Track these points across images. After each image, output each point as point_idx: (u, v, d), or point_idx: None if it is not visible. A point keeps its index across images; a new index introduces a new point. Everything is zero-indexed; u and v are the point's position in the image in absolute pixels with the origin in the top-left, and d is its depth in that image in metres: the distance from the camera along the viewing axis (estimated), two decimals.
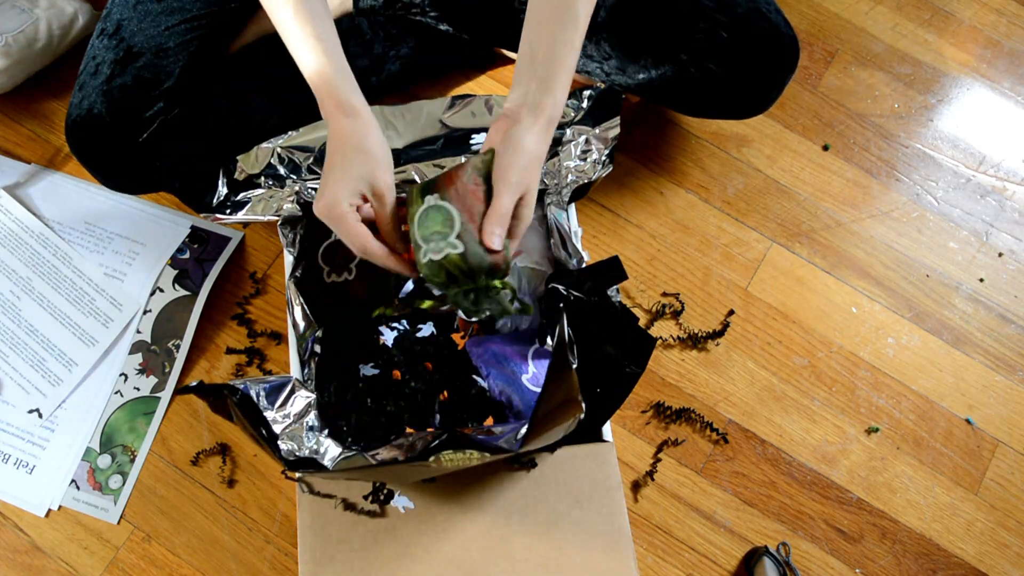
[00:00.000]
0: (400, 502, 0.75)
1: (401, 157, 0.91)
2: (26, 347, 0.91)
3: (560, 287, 0.73)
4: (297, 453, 0.74)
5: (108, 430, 0.89)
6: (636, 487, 0.90)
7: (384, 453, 0.70)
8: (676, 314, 0.98)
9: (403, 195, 0.73)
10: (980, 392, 0.97)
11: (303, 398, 0.78)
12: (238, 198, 0.88)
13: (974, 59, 1.15)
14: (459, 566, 0.72)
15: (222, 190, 0.88)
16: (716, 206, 1.04)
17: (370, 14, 0.97)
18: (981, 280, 1.02)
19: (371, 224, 0.69)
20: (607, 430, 0.80)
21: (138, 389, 0.91)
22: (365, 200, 0.69)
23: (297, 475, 0.75)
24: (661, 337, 0.96)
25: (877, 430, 0.94)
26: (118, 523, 0.86)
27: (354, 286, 0.86)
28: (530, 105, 0.67)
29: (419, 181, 0.87)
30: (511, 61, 1.10)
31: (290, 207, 0.88)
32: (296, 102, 0.92)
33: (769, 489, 0.91)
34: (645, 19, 0.86)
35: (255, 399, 0.73)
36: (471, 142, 0.91)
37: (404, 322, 0.89)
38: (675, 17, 0.84)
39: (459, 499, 0.75)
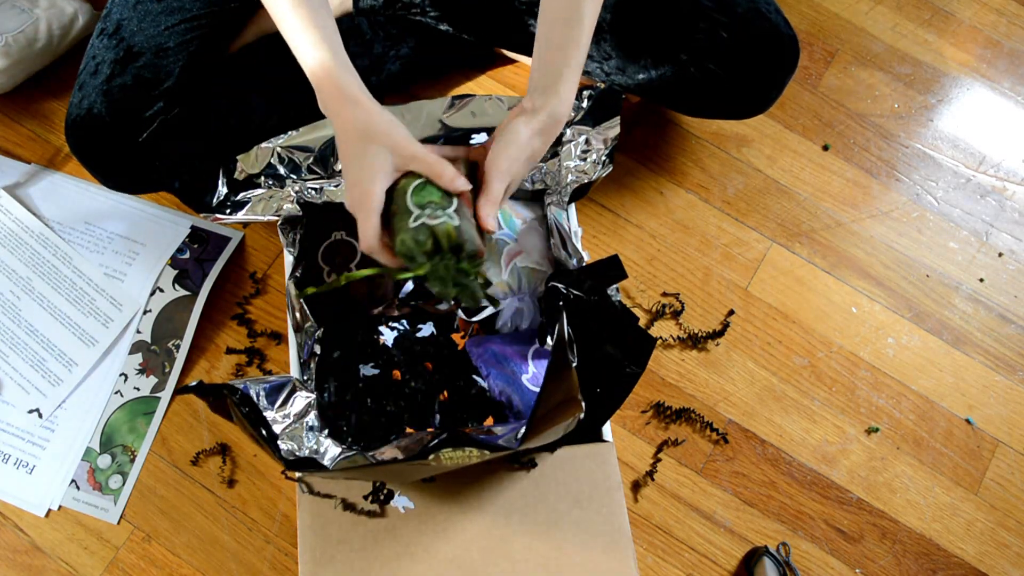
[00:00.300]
0: (400, 502, 0.75)
1: None
2: (26, 347, 0.91)
3: (560, 285, 0.73)
4: (297, 453, 0.74)
5: (108, 430, 0.89)
6: (636, 487, 0.90)
7: (384, 453, 0.71)
8: (676, 314, 0.98)
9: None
10: (980, 392, 0.97)
11: (303, 398, 0.78)
12: (238, 198, 0.88)
13: (974, 59, 1.15)
14: (459, 566, 0.72)
15: (222, 190, 0.88)
16: (716, 206, 1.04)
17: (370, 14, 0.97)
18: (981, 280, 1.02)
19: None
20: (607, 430, 0.80)
21: (138, 389, 0.91)
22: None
23: (297, 475, 0.75)
24: (661, 337, 0.96)
25: (877, 430, 0.94)
26: (118, 523, 0.86)
27: (354, 286, 0.86)
28: (533, 101, 0.68)
29: None
30: (511, 61, 1.10)
31: (290, 207, 0.88)
32: (296, 102, 0.92)
33: (769, 489, 0.91)
34: (645, 19, 0.86)
35: (255, 399, 0.73)
36: (471, 142, 0.91)
37: (404, 322, 0.89)
38: (675, 17, 0.84)
39: (459, 499, 0.75)
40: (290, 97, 0.92)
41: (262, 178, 0.89)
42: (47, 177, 1.00)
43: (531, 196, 0.95)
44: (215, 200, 0.88)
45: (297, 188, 0.89)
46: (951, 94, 1.13)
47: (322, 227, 0.88)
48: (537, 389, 0.81)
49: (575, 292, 0.71)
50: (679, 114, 1.08)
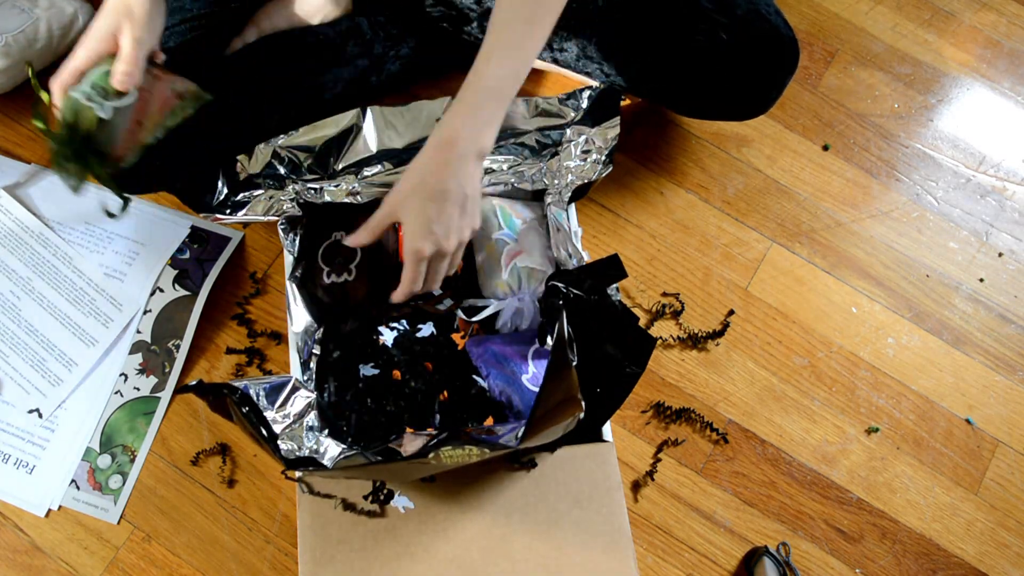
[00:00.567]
0: (400, 502, 0.75)
1: (401, 157, 0.91)
2: (26, 347, 0.91)
3: (560, 285, 0.73)
4: (297, 453, 0.74)
5: (108, 430, 0.89)
6: (636, 487, 0.90)
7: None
8: (676, 314, 0.98)
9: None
10: (980, 392, 0.97)
11: (303, 398, 0.78)
12: (238, 198, 0.88)
13: (974, 59, 1.15)
14: (459, 566, 0.72)
15: (222, 190, 0.88)
16: (716, 206, 1.04)
17: (371, 13, 0.97)
18: (981, 280, 1.02)
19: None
20: (607, 430, 0.80)
21: (138, 389, 0.91)
22: None
23: (297, 475, 0.75)
24: (661, 337, 0.96)
25: (877, 430, 0.94)
26: (118, 523, 0.86)
27: (354, 286, 0.86)
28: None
29: None
30: None
31: (290, 207, 0.88)
32: (296, 102, 0.92)
33: (769, 489, 0.91)
34: (645, 21, 0.86)
35: (255, 399, 0.73)
36: None
37: (404, 322, 0.89)
38: (675, 19, 0.84)
39: (459, 499, 0.75)
40: (290, 97, 0.92)
41: (262, 178, 0.89)
42: (47, 177, 1.00)
43: (531, 196, 0.95)
44: (215, 200, 0.88)
45: (297, 188, 0.89)
46: (951, 94, 1.13)
47: (322, 227, 0.88)
48: (537, 389, 0.81)
49: (575, 292, 0.71)
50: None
